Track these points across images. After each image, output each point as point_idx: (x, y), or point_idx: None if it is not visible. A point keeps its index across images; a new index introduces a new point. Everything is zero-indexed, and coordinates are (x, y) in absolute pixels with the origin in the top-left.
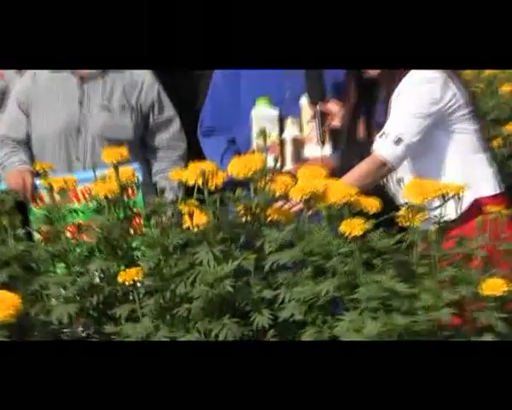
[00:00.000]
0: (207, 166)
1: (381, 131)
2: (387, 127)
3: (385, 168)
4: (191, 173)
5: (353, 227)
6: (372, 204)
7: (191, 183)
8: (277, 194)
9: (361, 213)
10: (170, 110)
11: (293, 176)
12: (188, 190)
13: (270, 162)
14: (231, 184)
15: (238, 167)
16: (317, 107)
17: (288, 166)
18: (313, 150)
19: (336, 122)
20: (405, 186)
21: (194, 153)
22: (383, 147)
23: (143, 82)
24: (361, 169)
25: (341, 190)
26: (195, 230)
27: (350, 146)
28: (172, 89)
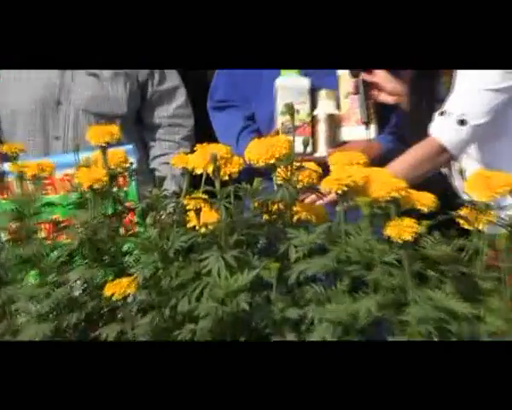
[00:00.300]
0: (219, 149)
1: (441, 109)
2: (449, 105)
3: (444, 155)
4: (198, 159)
5: (402, 230)
6: (426, 201)
7: (198, 171)
8: (306, 186)
9: (412, 213)
10: (174, 78)
11: (327, 164)
12: (194, 181)
13: (299, 147)
14: (249, 174)
15: (258, 152)
16: (360, 76)
17: (322, 151)
18: (354, 132)
19: (385, 97)
20: (469, 179)
21: (202, 133)
22: (443, 128)
23: None
24: (414, 156)
25: (387, 182)
26: (203, 230)
27: (407, 128)
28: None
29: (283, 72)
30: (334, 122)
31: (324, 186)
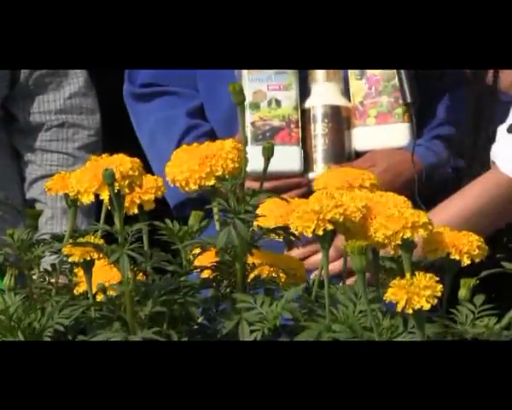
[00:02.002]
0: (122, 163)
1: (508, 123)
2: None
3: None
4: (85, 180)
5: (414, 293)
6: (467, 245)
7: (85, 199)
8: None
9: (438, 267)
10: None
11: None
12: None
13: (280, 161)
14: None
15: (188, 168)
16: None
17: (319, 168)
18: (375, 135)
19: None
20: None
21: (118, 137)
22: (509, 153)
23: None
24: (474, 196)
25: (398, 215)
26: (99, 298)
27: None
28: None
29: None
30: (341, 119)
31: (295, 224)
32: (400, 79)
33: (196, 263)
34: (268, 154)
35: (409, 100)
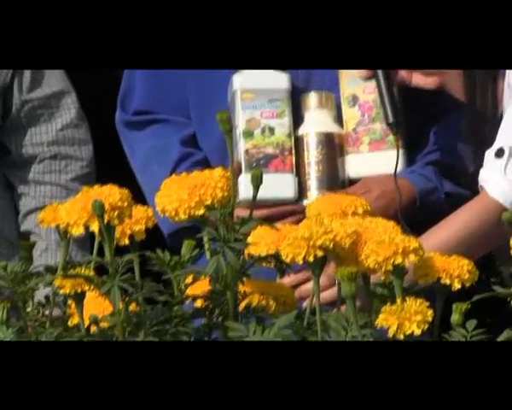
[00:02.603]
0: (111, 194)
1: (495, 147)
2: (502, 140)
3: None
4: (74, 211)
5: (404, 318)
6: (458, 270)
7: (75, 230)
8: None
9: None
10: (57, 81)
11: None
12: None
13: (273, 189)
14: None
15: (178, 198)
16: None
17: (313, 195)
18: (368, 162)
19: (419, 78)
20: None
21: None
22: (496, 177)
23: None
24: (463, 218)
25: (388, 240)
26: (92, 329)
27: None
28: None
29: None
30: (334, 147)
31: (285, 251)
32: (382, 97)
33: (189, 292)
34: (256, 181)
35: (390, 120)
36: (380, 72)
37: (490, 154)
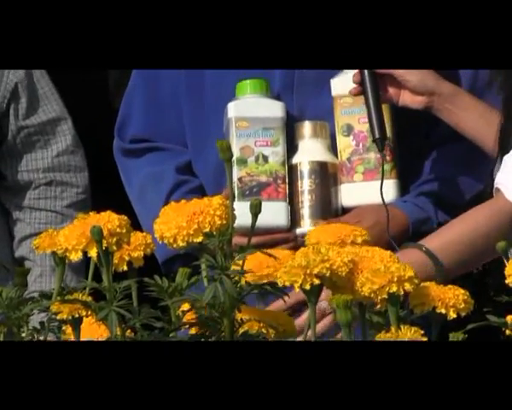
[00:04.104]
0: (110, 221)
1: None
2: None
3: None
4: (73, 237)
5: None
6: (453, 299)
7: (74, 256)
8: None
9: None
10: (53, 107)
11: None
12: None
13: (268, 216)
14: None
15: (176, 225)
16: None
17: (307, 224)
18: (361, 191)
19: (408, 97)
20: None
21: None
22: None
23: None
24: (476, 218)
25: (384, 269)
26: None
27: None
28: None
29: (240, 88)
30: (328, 176)
31: (283, 279)
32: (369, 113)
33: (186, 319)
34: (255, 210)
35: (376, 136)
36: (368, 88)
37: (509, 157)
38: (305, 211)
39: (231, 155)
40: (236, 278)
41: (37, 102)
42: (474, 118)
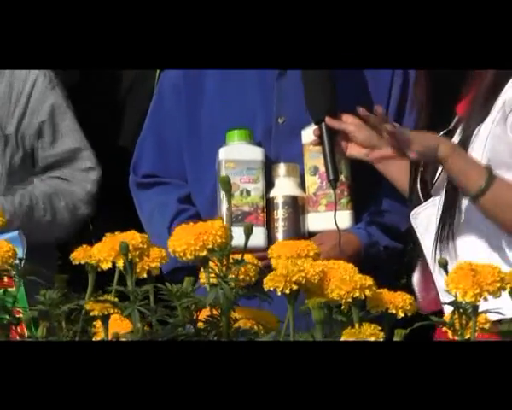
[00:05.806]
0: (133, 238)
1: None
2: None
3: None
4: (104, 251)
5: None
6: (401, 303)
7: (104, 266)
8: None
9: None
10: (72, 138)
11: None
12: (102, 279)
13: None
14: (185, 271)
15: (185, 242)
16: (323, 125)
17: None
18: (324, 219)
19: (354, 149)
20: (451, 273)
21: (123, 217)
22: None
23: (28, 84)
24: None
25: (348, 278)
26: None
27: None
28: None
29: (229, 137)
30: (298, 207)
31: (268, 285)
32: (325, 159)
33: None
34: (248, 231)
35: (331, 177)
36: (325, 140)
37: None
38: (280, 235)
39: (230, 188)
40: (233, 285)
41: (56, 131)
42: (395, 170)
